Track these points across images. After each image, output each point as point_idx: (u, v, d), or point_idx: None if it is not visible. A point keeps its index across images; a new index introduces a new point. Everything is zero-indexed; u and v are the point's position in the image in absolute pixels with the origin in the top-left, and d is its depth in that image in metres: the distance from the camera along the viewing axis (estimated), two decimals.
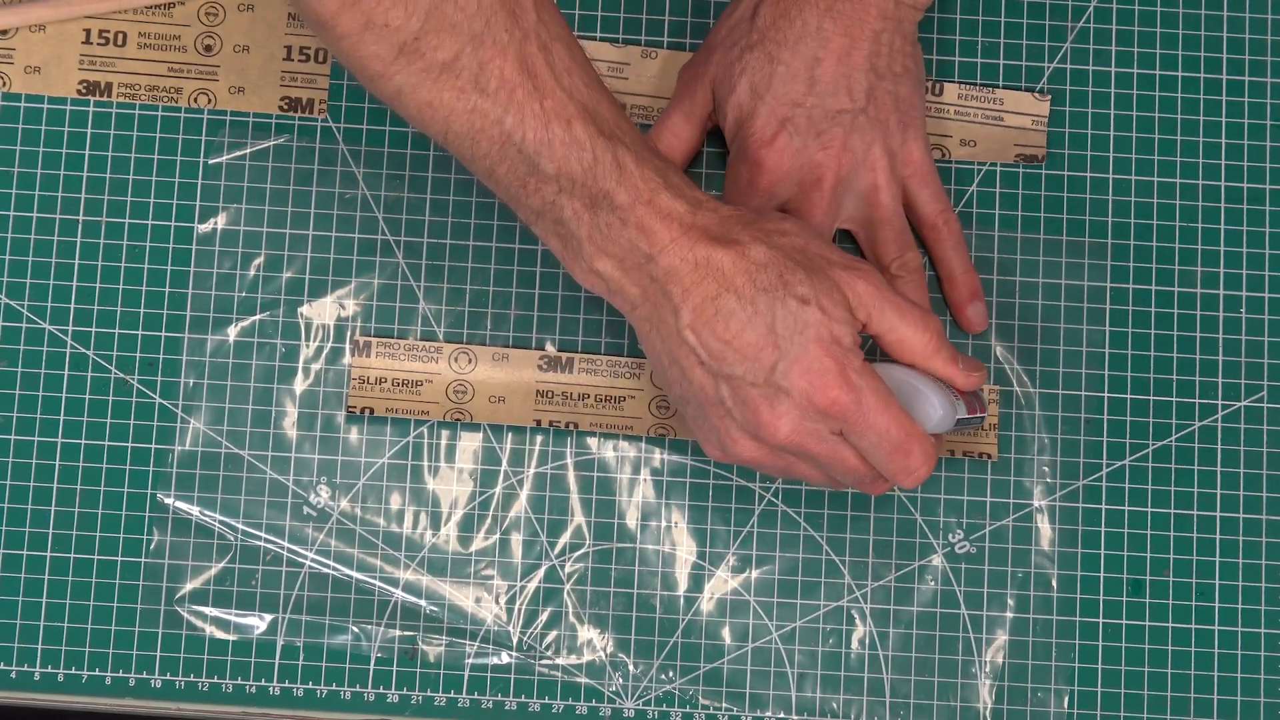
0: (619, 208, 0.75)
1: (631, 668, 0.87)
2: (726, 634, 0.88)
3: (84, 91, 0.90)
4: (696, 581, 0.88)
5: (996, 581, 0.88)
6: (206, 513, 0.88)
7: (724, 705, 0.87)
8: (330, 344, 0.89)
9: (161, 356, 0.88)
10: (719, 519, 0.88)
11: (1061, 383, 0.89)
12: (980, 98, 0.91)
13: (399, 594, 0.87)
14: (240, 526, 0.88)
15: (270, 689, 0.87)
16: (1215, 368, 0.89)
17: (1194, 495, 0.88)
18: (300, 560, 0.88)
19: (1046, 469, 0.89)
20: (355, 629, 0.87)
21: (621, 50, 0.91)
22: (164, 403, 0.88)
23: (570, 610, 0.88)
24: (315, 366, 0.89)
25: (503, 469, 0.88)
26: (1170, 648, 0.87)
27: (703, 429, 0.79)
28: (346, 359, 0.89)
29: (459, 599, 0.88)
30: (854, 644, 0.88)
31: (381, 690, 0.87)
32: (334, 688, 0.87)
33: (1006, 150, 0.91)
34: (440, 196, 0.90)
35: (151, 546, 0.87)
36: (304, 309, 0.89)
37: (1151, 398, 0.89)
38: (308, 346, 0.89)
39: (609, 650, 0.87)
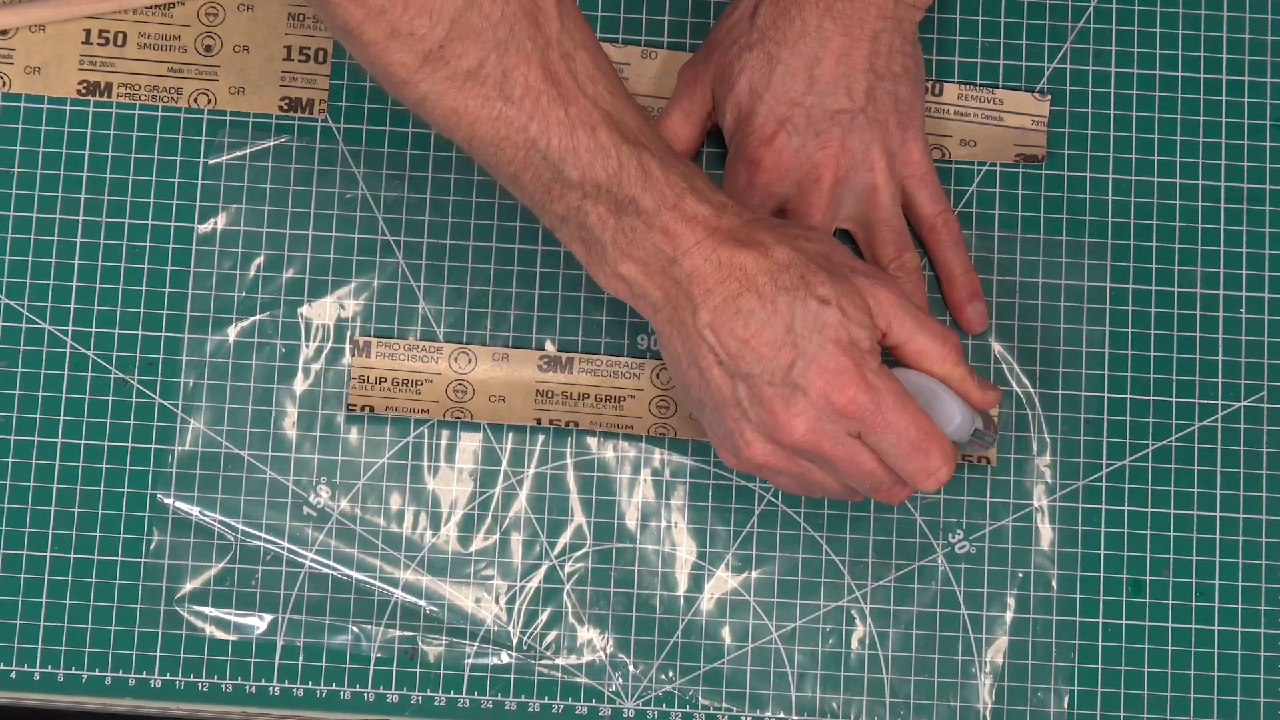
0: (644, 212, 0.75)
1: (631, 668, 0.87)
2: (726, 634, 0.88)
3: (84, 91, 0.90)
4: (696, 581, 0.88)
5: (996, 582, 0.88)
6: (206, 513, 0.88)
7: (724, 705, 0.87)
8: (330, 344, 0.89)
9: (161, 356, 0.88)
10: (719, 519, 0.88)
11: (1061, 383, 0.89)
12: (980, 98, 0.91)
13: (399, 594, 0.87)
14: (240, 527, 0.88)
15: (270, 689, 0.87)
16: (1215, 368, 0.89)
17: (1194, 495, 0.88)
18: (300, 560, 0.88)
19: (1046, 469, 0.89)
20: (355, 629, 0.87)
21: (622, 50, 0.91)
22: (164, 403, 0.88)
23: (570, 610, 0.88)
24: (315, 366, 0.89)
25: (503, 469, 0.88)
26: (1170, 648, 0.87)
27: (718, 433, 0.79)
28: (346, 359, 0.89)
29: (459, 599, 0.88)
30: (854, 644, 0.88)
31: (381, 690, 0.87)
32: (334, 688, 0.87)
33: (1006, 150, 0.91)
34: (440, 196, 0.90)
35: (151, 546, 0.88)
36: (304, 309, 0.89)
37: (1151, 398, 0.89)
38: (308, 346, 0.89)
39: (609, 650, 0.87)
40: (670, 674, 0.87)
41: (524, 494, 0.88)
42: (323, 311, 0.89)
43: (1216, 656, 0.87)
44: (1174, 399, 0.89)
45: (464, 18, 0.73)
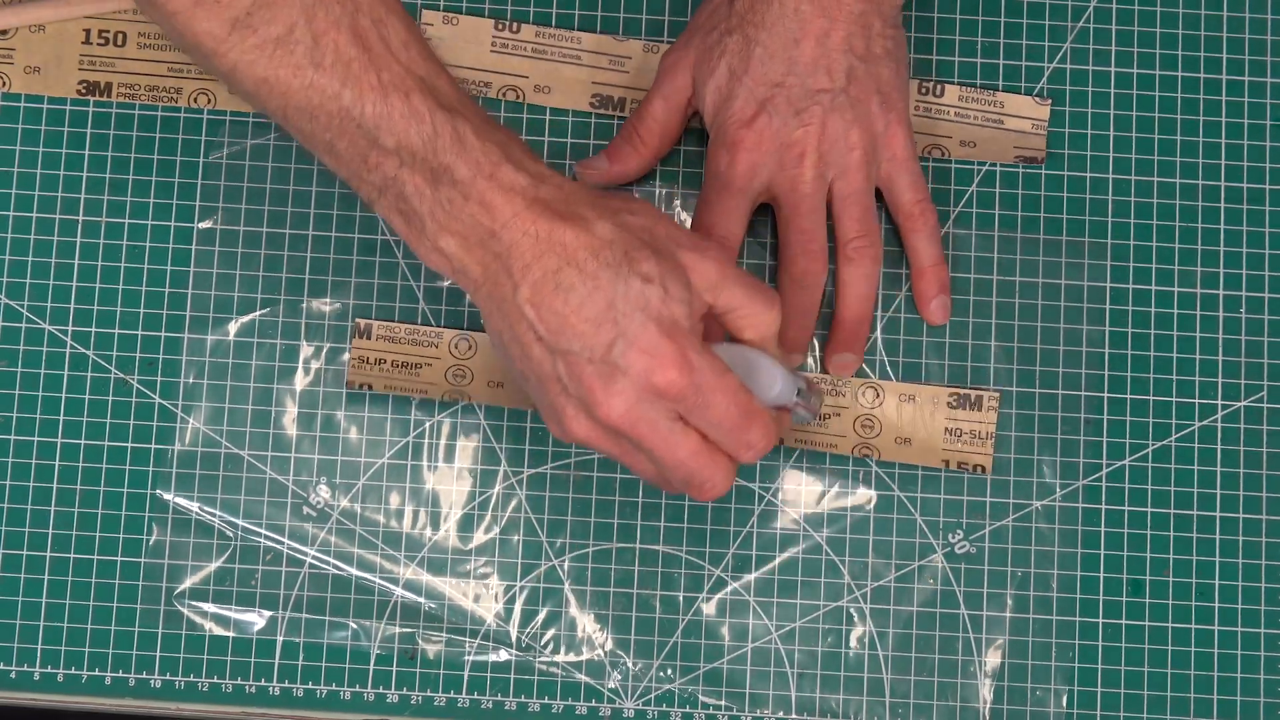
0: (460, 182, 0.74)
1: (631, 667, 0.87)
2: (726, 634, 0.88)
3: (84, 91, 0.90)
4: (696, 581, 0.88)
5: (996, 581, 0.88)
6: (206, 509, 0.88)
7: (724, 705, 0.87)
8: (329, 343, 0.89)
9: (161, 356, 0.88)
10: (719, 519, 0.88)
11: (1061, 383, 0.89)
12: (981, 100, 0.91)
13: (399, 592, 0.87)
14: (240, 524, 0.88)
15: (270, 689, 0.87)
16: (1215, 368, 0.89)
17: (1194, 495, 0.88)
18: (300, 558, 0.88)
19: (1046, 469, 0.88)
20: (355, 625, 0.87)
21: (623, 44, 0.91)
22: (163, 402, 0.88)
23: (570, 609, 0.88)
24: (315, 365, 0.89)
25: (503, 469, 0.88)
26: (1170, 648, 0.87)
27: (543, 405, 0.77)
28: (346, 356, 0.89)
29: (459, 598, 0.88)
30: (854, 644, 0.87)
31: (381, 690, 0.87)
32: (334, 687, 0.87)
33: (1006, 152, 0.91)
34: None
35: (150, 544, 0.88)
36: (304, 308, 0.89)
37: (1151, 398, 0.89)
38: (307, 345, 0.89)
39: (609, 649, 0.87)
40: (670, 673, 0.87)
41: (524, 493, 0.88)
42: (322, 310, 0.89)
43: (1216, 656, 0.87)
44: (1174, 399, 0.89)
45: None
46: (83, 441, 0.88)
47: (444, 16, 0.91)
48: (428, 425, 0.88)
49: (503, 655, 0.87)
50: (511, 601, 0.88)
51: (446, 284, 0.89)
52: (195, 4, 0.73)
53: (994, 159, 0.91)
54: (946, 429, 0.88)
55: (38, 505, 0.88)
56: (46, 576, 0.87)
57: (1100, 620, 0.88)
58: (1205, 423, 0.89)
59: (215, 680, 0.87)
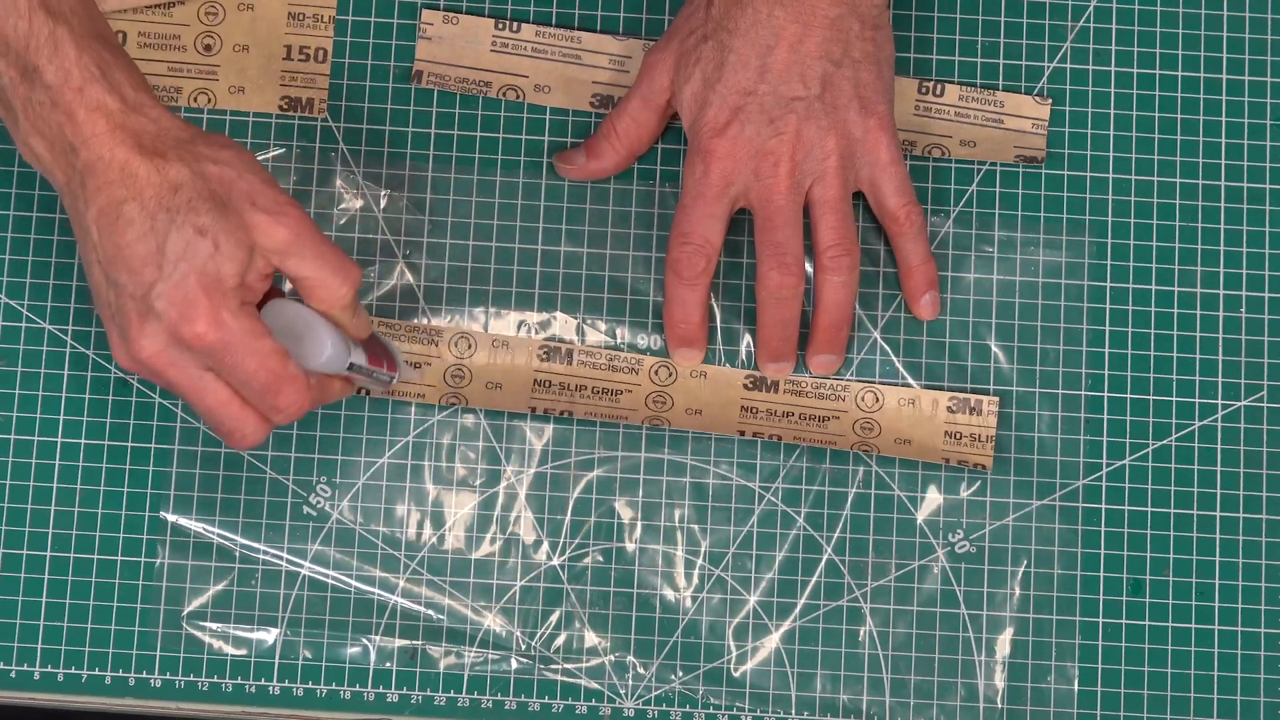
0: (49, 87, 0.74)
1: (632, 668, 0.87)
2: (727, 634, 0.88)
3: None
4: (697, 581, 0.88)
5: (996, 581, 0.88)
6: (206, 514, 0.88)
7: (724, 705, 0.87)
8: None
9: None
10: (719, 519, 0.88)
11: (1061, 383, 0.89)
12: (981, 100, 0.91)
13: (398, 597, 0.87)
14: (240, 535, 0.88)
15: (270, 688, 0.87)
16: (1215, 368, 0.89)
17: (1194, 495, 0.88)
18: (298, 570, 0.88)
19: (1046, 469, 0.88)
20: (359, 636, 0.87)
21: (623, 43, 0.91)
22: (164, 402, 0.88)
23: (570, 610, 0.88)
24: None
25: (504, 469, 0.88)
26: (1170, 648, 0.87)
27: (104, 323, 0.79)
28: None
29: (459, 599, 0.88)
30: (854, 643, 0.87)
31: (381, 690, 0.87)
32: (334, 687, 0.87)
33: (1006, 152, 0.91)
34: (440, 196, 0.90)
35: (149, 544, 0.87)
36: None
37: (1151, 398, 0.89)
38: None
39: (610, 650, 0.87)
40: (671, 674, 0.87)
41: (524, 494, 0.88)
42: None
43: (1216, 656, 0.87)
44: (1174, 399, 0.89)
45: None
46: (83, 441, 0.88)
47: (444, 16, 0.91)
48: (428, 426, 0.88)
49: (502, 655, 0.87)
50: (511, 601, 0.88)
51: (446, 284, 0.89)
52: None
53: (994, 159, 0.91)
54: (946, 432, 0.88)
55: (38, 505, 0.88)
56: (46, 576, 0.87)
57: (1100, 620, 0.88)
58: (1205, 423, 0.89)
59: (215, 680, 0.87)
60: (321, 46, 0.91)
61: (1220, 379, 0.89)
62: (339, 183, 0.90)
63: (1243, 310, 0.90)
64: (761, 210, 0.85)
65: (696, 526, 0.88)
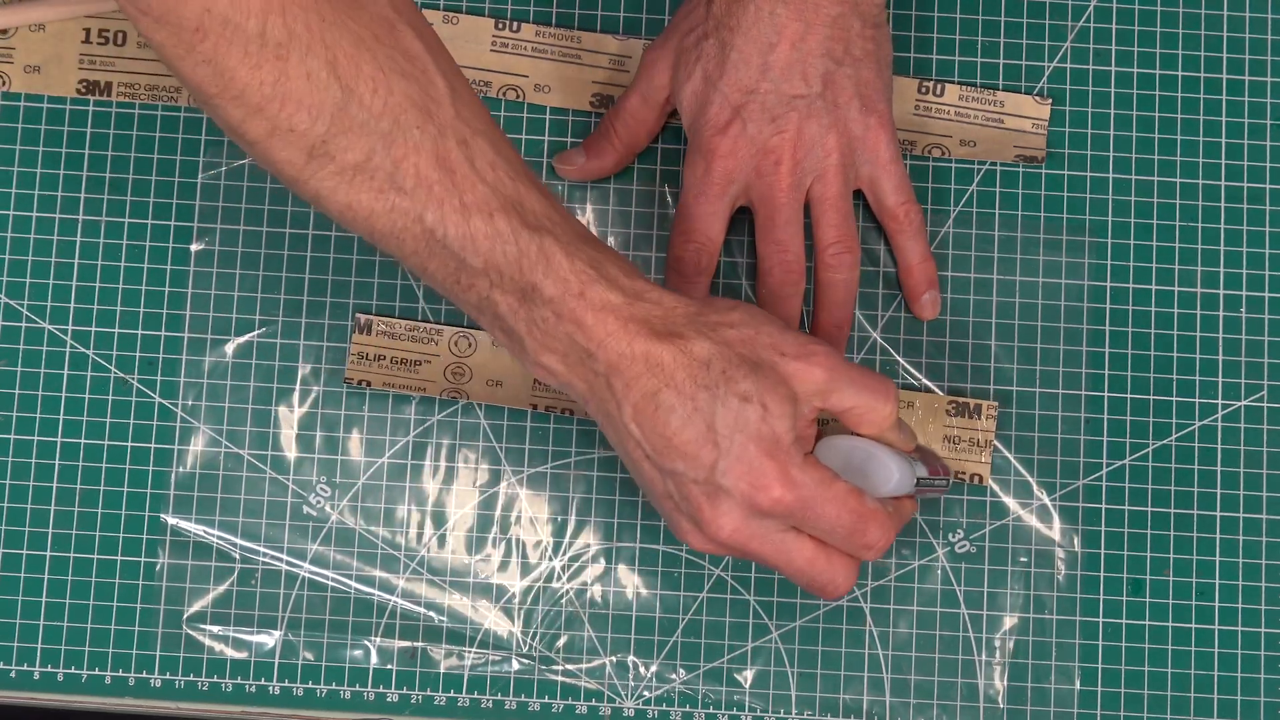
0: (550, 301, 0.74)
1: (632, 668, 0.87)
2: (726, 634, 0.88)
3: (84, 91, 0.90)
4: (696, 581, 0.88)
5: (997, 581, 0.88)
6: (206, 517, 0.88)
7: (724, 705, 0.87)
8: (328, 343, 0.89)
9: (161, 355, 0.88)
10: None
11: (1061, 383, 0.89)
12: (981, 99, 0.91)
13: (398, 598, 0.87)
14: (240, 536, 0.88)
15: (270, 688, 0.87)
16: (1215, 368, 0.89)
17: (1194, 495, 0.88)
18: (297, 571, 0.88)
19: (1046, 469, 0.88)
20: (359, 636, 0.87)
21: (623, 44, 0.91)
22: (164, 402, 0.88)
23: (570, 610, 0.88)
24: (316, 364, 0.89)
25: (504, 469, 0.88)
26: (1170, 648, 0.87)
27: (663, 516, 0.78)
28: (348, 344, 0.89)
29: (459, 600, 0.88)
30: (854, 643, 0.87)
31: (381, 690, 0.87)
32: (334, 687, 0.87)
33: (1006, 151, 0.91)
34: None
35: (149, 544, 0.87)
36: (304, 306, 0.89)
37: (1151, 398, 0.89)
38: (307, 343, 0.89)
39: (609, 650, 0.87)
40: (671, 673, 0.87)
41: (525, 494, 0.88)
42: (322, 309, 0.89)
43: (1216, 656, 0.87)
44: (1174, 399, 0.89)
45: (344, 111, 0.71)
46: (83, 441, 0.88)
47: (444, 16, 0.91)
48: (429, 426, 0.88)
49: (503, 655, 0.87)
50: (511, 601, 0.88)
51: None
52: (270, 134, 0.72)
53: (994, 158, 0.91)
54: (945, 436, 0.88)
55: (38, 505, 0.88)
56: (46, 576, 0.87)
57: (1100, 620, 0.88)
58: (1205, 422, 0.89)
59: (215, 680, 0.87)
60: None
61: (1220, 379, 0.89)
62: None
63: (1243, 310, 0.90)
64: (763, 208, 0.86)
65: None
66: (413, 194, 0.73)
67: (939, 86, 0.91)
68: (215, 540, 0.88)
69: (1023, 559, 0.88)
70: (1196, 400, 0.89)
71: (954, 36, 0.92)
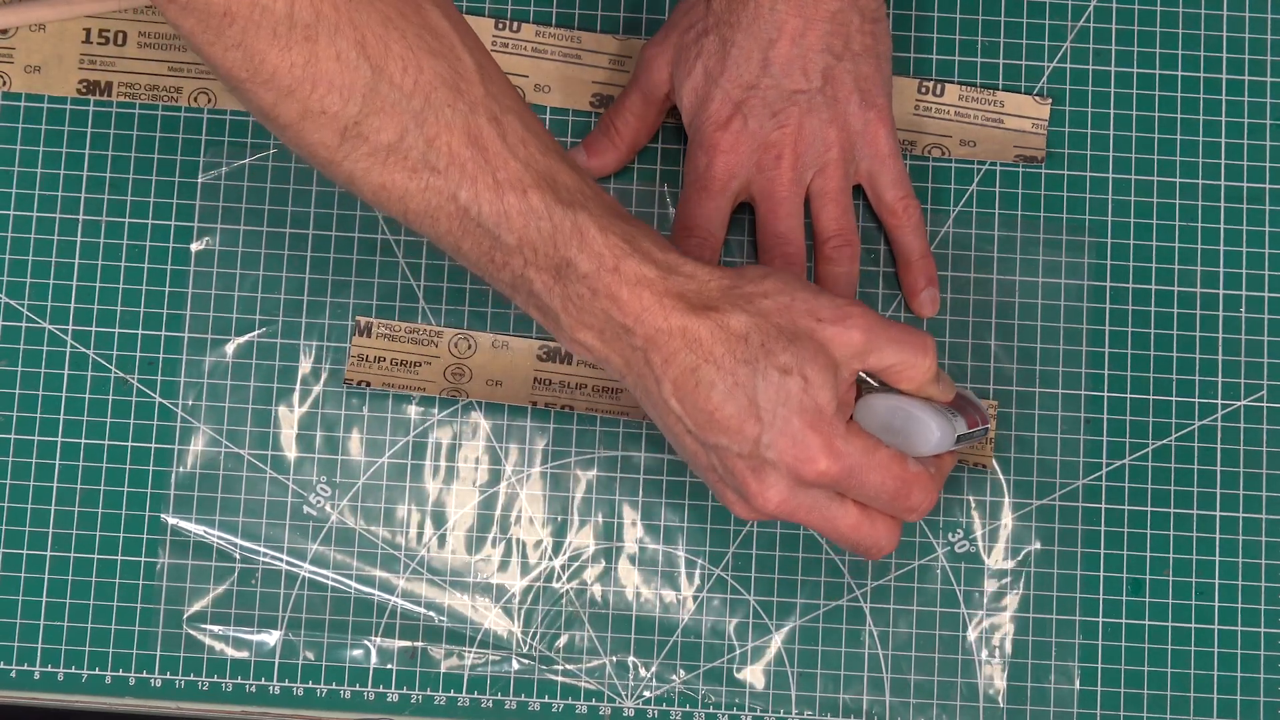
0: (585, 276, 0.74)
1: (632, 668, 0.87)
2: (727, 634, 0.88)
3: (84, 91, 0.90)
4: (697, 581, 0.88)
5: (996, 581, 0.88)
6: (206, 518, 0.88)
7: (724, 705, 0.87)
8: (329, 343, 0.89)
9: (161, 355, 0.88)
10: (719, 519, 0.88)
11: (1061, 383, 0.89)
12: (981, 99, 0.91)
13: (398, 598, 0.87)
14: (240, 536, 0.88)
15: (270, 688, 0.87)
16: (1215, 368, 0.89)
17: (1194, 495, 0.88)
18: (297, 570, 0.88)
19: (1046, 469, 0.88)
20: (359, 636, 0.87)
21: (623, 43, 0.91)
22: (164, 402, 0.88)
23: (571, 610, 0.88)
24: (316, 364, 0.89)
25: (504, 469, 0.88)
26: (1170, 648, 0.87)
27: (711, 488, 0.78)
28: (348, 345, 0.89)
29: (459, 599, 0.88)
30: (854, 643, 0.87)
31: (381, 690, 0.87)
32: (334, 687, 0.87)
33: (1006, 151, 0.91)
34: None
35: (149, 544, 0.87)
36: (304, 307, 0.89)
37: (1151, 398, 0.89)
38: (307, 344, 0.89)
39: (609, 650, 0.87)
40: (671, 673, 0.87)
41: (525, 494, 0.88)
42: (322, 310, 0.89)
43: (1216, 656, 0.87)
44: (1174, 399, 0.89)
45: (375, 92, 0.71)
46: (83, 441, 0.88)
47: None
48: (429, 426, 0.88)
49: (503, 655, 0.87)
50: (511, 601, 0.88)
51: (446, 284, 0.89)
52: (303, 117, 0.72)
53: (994, 158, 0.91)
54: None
55: (38, 505, 0.88)
56: (46, 576, 0.87)
57: (1100, 620, 0.88)
58: (1205, 422, 0.89)
59: (215, 679, 0.87)
60: None
61: (1220, 379, 0.89)
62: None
63: (1243, 310, 0.90)
64: (764, 202, 0.86)
65: (697, 526, 0.88)
66: (446, 173, 0.73)
67: (939, 86, 0.91)
68: (215, 540, 0.88)
69: (1022, 558, 0.88)
70: (1196, 400, 0.89)
71: (954, 36, 0.92)
